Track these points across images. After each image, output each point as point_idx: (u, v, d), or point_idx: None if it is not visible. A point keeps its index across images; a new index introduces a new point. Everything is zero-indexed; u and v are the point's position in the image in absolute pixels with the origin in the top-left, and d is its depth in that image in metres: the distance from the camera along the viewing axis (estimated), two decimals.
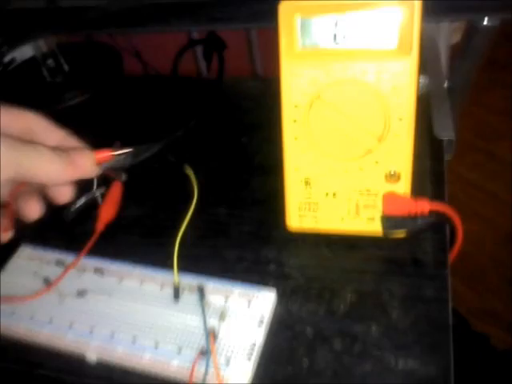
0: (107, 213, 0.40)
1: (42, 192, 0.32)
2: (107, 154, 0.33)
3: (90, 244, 0.37)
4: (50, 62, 0.56)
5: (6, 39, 0.47)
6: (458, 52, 0.52)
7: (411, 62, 0.32)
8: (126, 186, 0.42)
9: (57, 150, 0.30)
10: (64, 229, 0.41)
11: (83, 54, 0.60)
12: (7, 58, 0.54)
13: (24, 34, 0.47)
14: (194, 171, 0.44)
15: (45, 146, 0.30)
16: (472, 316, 1.02)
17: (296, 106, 0.34)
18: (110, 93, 0.58)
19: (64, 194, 0.32)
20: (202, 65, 0.82)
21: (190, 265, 0.37)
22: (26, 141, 0.29)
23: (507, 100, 1.49)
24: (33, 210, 0.32)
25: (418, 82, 0.33)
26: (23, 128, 0.31)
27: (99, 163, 0.33)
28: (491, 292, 1.11)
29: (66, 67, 0.57)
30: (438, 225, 0.37)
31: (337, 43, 0.32)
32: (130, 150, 0.34)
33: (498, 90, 1.52)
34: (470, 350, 0.94)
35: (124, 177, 0.39)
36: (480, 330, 0.99)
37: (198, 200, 0.41)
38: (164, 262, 0.37)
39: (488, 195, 1.29)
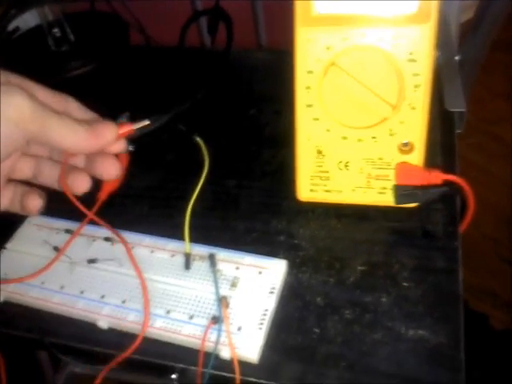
0: (111, 183, 0.39)
1: (89, 168, 0.34)
2: (129, 129, 0.33)
3: (87, 219, 0.37)
4: (56, 31, 0.55)
5: (13, 3, 0.47)
6: (469, 27, 0.52)
7: (430, 27, 0.31)
8: (136, 156, 0.41)
9: (82, 121, 0.31)
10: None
11: (89, 24, 0.59)
12: (11, 27, 0.53)
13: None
14: (203, 143, 0.43)
15: (70, 117, 0.31)
16: (471, 296, 1.03)
17: (310, 73, 0.34)
18: (116, 63, 0.57)
19: (109, 170, 0.33)
20: (206, 38, 0.82)
21: (199, 236, 0.37)
22: (55, 110, 0.30)
23: (508, 82, 1.48)
24: (80, 184, 0.33)
25: (435, 51, 0.33)
26: (57, 104, 0.32)
27: (122, 137, 0.33)
28: (490, 272, 1.11)
29: (71, 37, 0.56)
30: (448, 196, 0.37)
31: (353, 8, 0.32)
32: (148, 123, 0.34)
33: (502, 73, 1.51)
34: (468, 330, 0.95)
35: (130, 147, 0.38)
36: (479, 310, 1.00)
37: (208, 171, 0.41)
38: (173, 233, 0.37)
39: (489, 177, 1.29)
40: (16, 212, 0.34)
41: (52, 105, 0.31)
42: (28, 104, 0.29)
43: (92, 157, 0.33)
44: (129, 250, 0.36)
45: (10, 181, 0.34)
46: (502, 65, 1.51)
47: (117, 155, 0.35)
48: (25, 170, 0.34)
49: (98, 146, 0.32)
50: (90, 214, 0.35)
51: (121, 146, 0.34)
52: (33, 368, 0.86)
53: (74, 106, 0.33)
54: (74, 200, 0.33)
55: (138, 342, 0.32)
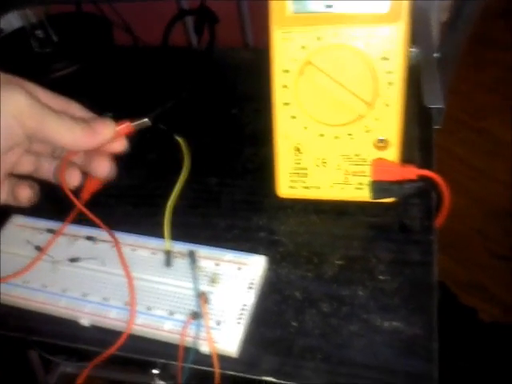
0: (93, 183, 0.40)
1: (85, 165, 0.36)
2: (127, 125, 0.35)
3: (74, 212, 0.37)
4: (39, 32, 0.55)
5: None
6: (447, 24, 0.53)
7: (402, 26, 0.32)
8: (118, 156, 0.42)
9: (79, 120, 0.33)
10: (55, 199, 0.41)
11: (72, 25, 0.59)
12: None
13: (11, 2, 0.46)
14: (185, 141, 0.44)
15: (68, 116, 0.33)
16: (460, 290, 1.04)
17: (286, 72, 0.34)
18: (100, 63, 0.57)
19: (102, 169, 0.35)
20: (193, 38, 0.82)
21: (181, 233, 0.37)
22: (54, 109, 0.32)
23: (497, 77, 1.49)
24: (72, 179, 0.35)
25: (408, 49, 0.34)
26: (57, 105, 0.34)
27: (121, 135, 0.35)
28: (479, 266, 1.12)
29: (55, 38, 0.56)
30: (425, 191, 0.38)
31: (327, 7, 0.32)
32: (146, 120, 0.35)
33: (488, 68, 1.52)
34: (457, 324, 0.96)
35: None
36: (468, 303, 1.01)
37: (189, 169, 0.41)
38: (155, 231, 0.38)
39: (476, 171, 1.30)
40: (10, 204, 0.35)
41: (52, 105, 0.33)
42: (26, 101, 0.31)
43: (90, 155, 0.35)
44: (117, 246, 0.36)
45: (10, 175, 0.35)
46: (489, 60, 1.52)
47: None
48: (27, 165, 0.36)
49: (94, 143, 0.33)
50: (82, 207, 0.36)
51: (121, 145, 0.35)
52: (24, 369, 0.86)
53: (75, 108, 0.35)
54: (70, 193, 0.35)
55: (123, 338, 0.32)
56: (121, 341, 0.32)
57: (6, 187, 0.35)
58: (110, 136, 0.34)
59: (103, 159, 0.35)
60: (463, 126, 1.38)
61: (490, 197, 1.24)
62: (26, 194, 0.35)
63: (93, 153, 0.35)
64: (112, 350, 0.32)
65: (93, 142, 0.33)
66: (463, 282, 1.09)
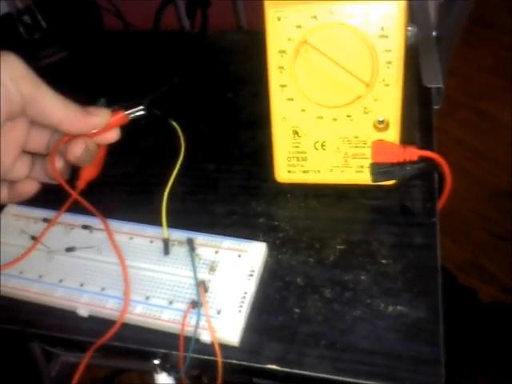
0: (88, 171, 0.39)
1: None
2: (122, 115, 0.34)
3: (69, 201, 0.37)
4: (27, 18, 0.53)
5: None
6: (445, 2, 0.51)
7: (401, 2, 0.31)
8: (112, 143, 0.41)
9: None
10: (50, 188, 0.40)
11: (60, 10, 0.58)
12: None
13: None
14: (181, 127, 0.43)
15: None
16: (459, 271, 1.04)
17: (282, 52, 0.33)
18: (91, 49, 0.56)
19: (74, 149, 0.34)
20: (185, 21, 0.80)
21: (178, 220, 0.37)
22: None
23: (496, 58, 1.48)
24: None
25: (407, 26, 0.33)
26: None
27: (116, 125, 0.34)
28: (478, 247, 1.13)
29: (43, 23, 0.55)
30: (426, 173, 0.37)
31: None
32: (141, 107, 0.35)
33: (487, 48, 1.51)
34: (457, 305, 0.96)
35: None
36: (467, 284, 1.01)
37: (185, 155, 0.41)
38: (152, 219, 0.37)
39: (475, 153, 1.29)
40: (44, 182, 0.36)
41: None
42: (23, 66, 0.31)
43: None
44: (110, 234, 0.35)
45: (25, 152, 0.35)
46: (487, 41, 1.51)
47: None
48: (38, 142, 0.35)
49: (88, 125, 0.33)
50: (75, 194, 0.35)
51: (115, 135, 0.35)
52: (26, 359, 0.86)
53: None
54: (63, 182, 0.35)
55: (116, 327, 0.32)
56: (114, 330, 0.32)
57: (27, 162, 0.35)
58: (104, 122, 0.34)
59: (79, 141, 0.34)
60: (461, 107, 1.37)
61: (488, 178, 1.23)
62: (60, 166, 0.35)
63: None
64: (104, 339, 0.32)
65: (86, 124, 0.33)
66: (462, 263, 1.10)
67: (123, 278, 0.33)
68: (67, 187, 0.35)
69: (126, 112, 0.35)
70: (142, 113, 0.35)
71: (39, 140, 0.35)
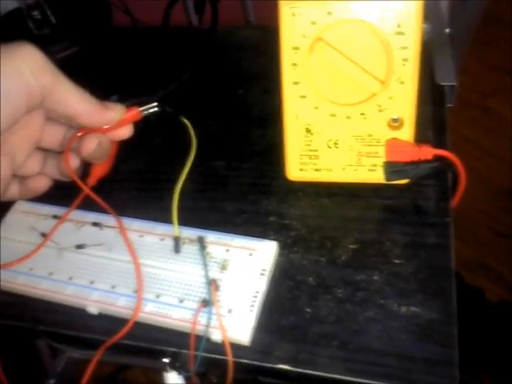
0: (100, 168, 0.39)
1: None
2: (136, 111, 0.34)
3: (80, 198, 0.37)
4: (36, 13, 0.53)
5: None
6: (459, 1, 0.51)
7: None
8: (122, 140, 0.40)
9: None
10: (60, 185, 0.40)
11: (70, 5, 0.58)
12: None
13: None
14: (191, 124, 0.43)
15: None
16: (466, 270, 1.03)
17: (296, 49, 0.33)
18: (100, 45, 0.56)
19: (87, 145, 0.34)
20: (193, 17, 0.80)
21: (189, 218, 0.36)
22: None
23: (505, 56, 1.47)
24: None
25: (423, 24, 0.32)
26: None
27: (129, 122, 0.34)
28: (484, 246, 1.12)
29: (52, 19, 0.54)
30: (440, 172, 0.37)
31: None
32: (155, 104, 0.35)
33: (496, 46, 1.50)
34: (465, 304, 0.95)
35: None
36: (473, 284, 1.01)
37: (196, 152, 0.40)
38: (163, 217, 0.37)
39: (482, 151, 1.29)
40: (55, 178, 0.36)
41: None
42: (41, 56, 0.30)
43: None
44: (123, 232, 0.35)
45: (39, 149, 0.35)
46: (497, 39, 1.49)
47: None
48: (52, 138, 0.35)
49: (104, 119, 0.33)
50: (89, 192, 0.35)
51: (128, 131, 0.35)
52: (31, 354, 0.86)
53: None
54: (77, 178, 0.35)
55: (128, 326, 0.31)
56: (126, 328, 0.31)
57: (40, 159, 0.35)
58: (118, 118, 0.33)
59: (92, 137, 0.34)
60: (469, 105, 1.36)
61: (495, 176, 1.23)
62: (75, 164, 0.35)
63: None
64: (116, 338, 0.31)
65: (103, 118, 0.33)
66: (469, 262, 1.09)
67: (136, 275, 0.33)
68: (82, 184, 0.35)
69: (140, 108, 0.34)
70: (155, 109, 0.35)
71: (54, 137, 0.35)
